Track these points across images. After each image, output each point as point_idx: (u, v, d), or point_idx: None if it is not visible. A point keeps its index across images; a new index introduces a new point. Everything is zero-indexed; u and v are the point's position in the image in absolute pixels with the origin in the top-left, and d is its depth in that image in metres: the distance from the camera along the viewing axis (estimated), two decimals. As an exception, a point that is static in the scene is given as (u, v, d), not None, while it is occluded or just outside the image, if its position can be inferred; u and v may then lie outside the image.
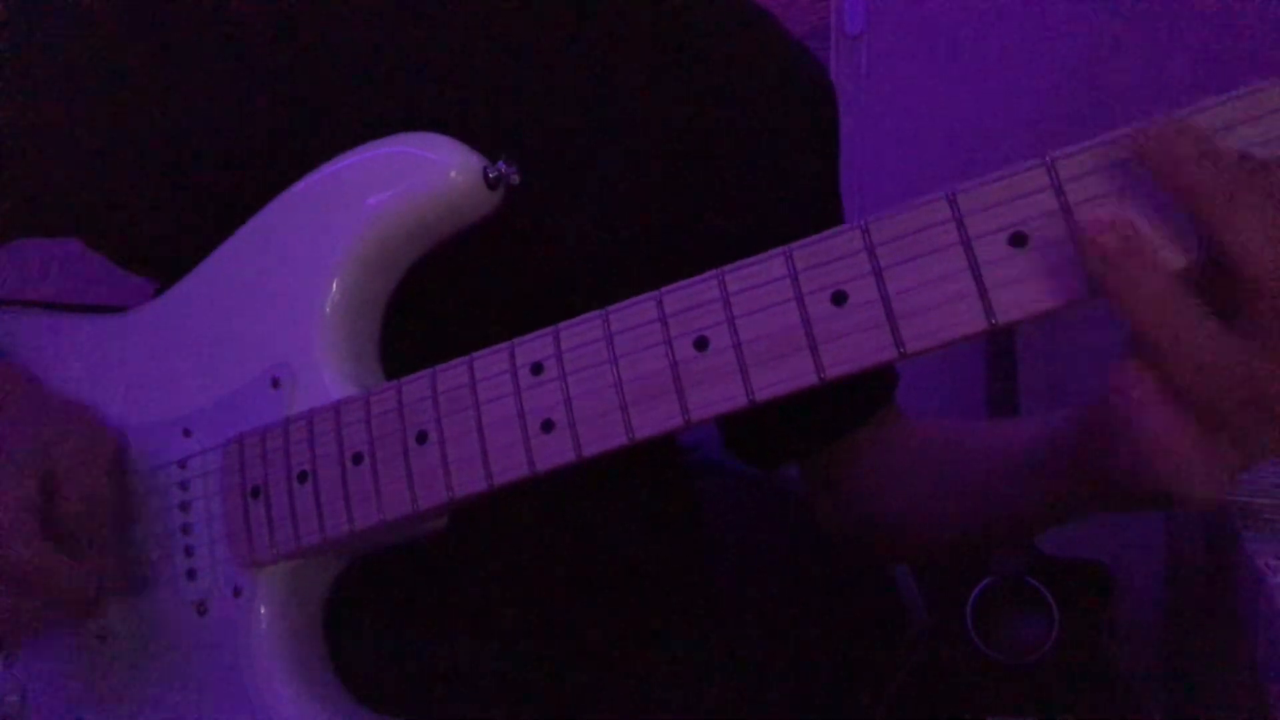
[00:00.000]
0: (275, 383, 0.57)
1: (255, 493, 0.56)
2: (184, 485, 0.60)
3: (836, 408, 0.74)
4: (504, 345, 0.50)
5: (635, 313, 0.46)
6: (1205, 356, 0.37)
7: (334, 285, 0.57)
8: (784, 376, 0.44)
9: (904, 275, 0.42)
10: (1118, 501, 0.49)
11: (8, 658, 0.66)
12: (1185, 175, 0.37)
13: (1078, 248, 0.39)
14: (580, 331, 0.48)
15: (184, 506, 0.60)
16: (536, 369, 0.48)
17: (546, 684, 0.69)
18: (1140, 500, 0.47)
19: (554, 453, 0.48)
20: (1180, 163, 0.37)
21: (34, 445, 0.56)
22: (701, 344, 0.45)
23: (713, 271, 0.45)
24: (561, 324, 0.48)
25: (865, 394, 0.75)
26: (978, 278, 0.40)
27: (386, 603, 0.66)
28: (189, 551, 0.59)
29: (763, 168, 0.74)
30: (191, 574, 0.59)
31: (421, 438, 0.51)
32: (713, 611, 0.82)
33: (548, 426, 0.48)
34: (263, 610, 0.56)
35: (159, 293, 0.66)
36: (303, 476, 0.54)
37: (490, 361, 0.50)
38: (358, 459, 0.53)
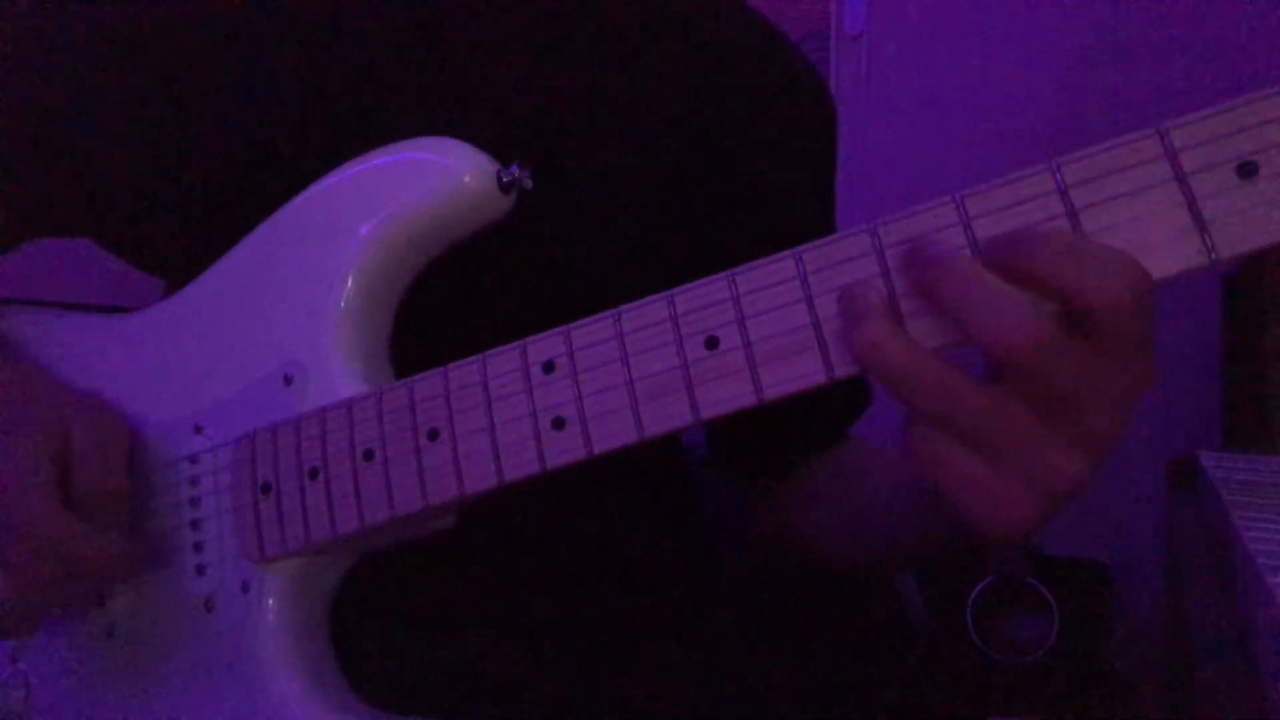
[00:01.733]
0: (287, 380, 0.57)
1: (266, 489, 0.56)
2: (194, 481, 0.60)
3: (820, 424, 0.76)
4: (516, 344, 0.50)
5: (647, 312, 0.47)
6: (946, 400, 0.40)
7: (348, 285, 0.57)
8: (793, 375, 0.44)
9: None
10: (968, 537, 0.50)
11: (14, 651, 0.66)
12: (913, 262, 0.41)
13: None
14: (592, 331, 0.48)
15: (194, 502, 0.60)
16: (548, 367, 0.49)
17: (549, 683, 0.69)
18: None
19: (565, 450, 0.48)
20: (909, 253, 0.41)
21: (48, 422, 0.56)
22: (712, 343, 0.45)
23: (724, 272, 0.46)
24: (573, 323, 0.49)
25: (842, 412, 0.77)
26: None
27: (392, 601, 0.66)
28: (198, 547, 0.59)
29: (763, 176, 0.75)
30: (200, 569, 0.59)
31: (433, 435, 0.51)
32: (713, 611, 0.82)
33: (559, 424, 0.48)
34: (270, 606, 0.56)
35: (171, 292, 0.66)
36: (314, 473, 0.55)
37: (502, 360, 0.50)
38: (369, 456, 0.53)
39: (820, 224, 0.79)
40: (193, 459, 0.60)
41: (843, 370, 0.43)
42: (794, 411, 0.46)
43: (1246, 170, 0.38)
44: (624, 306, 0.48)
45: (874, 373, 0.41)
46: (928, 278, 0.40)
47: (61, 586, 0.56)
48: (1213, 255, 0.38)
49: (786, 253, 0.45)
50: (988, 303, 0.39)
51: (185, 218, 0.67)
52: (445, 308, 0.62)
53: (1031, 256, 0.39)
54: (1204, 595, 0.96)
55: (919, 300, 0.42)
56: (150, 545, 0.61)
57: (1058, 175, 0.40)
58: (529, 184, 0.57)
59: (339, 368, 0.56)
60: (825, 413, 0.76)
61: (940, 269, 0.40)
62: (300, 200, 0.60)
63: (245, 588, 0.57)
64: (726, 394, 0.45)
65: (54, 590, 0.56)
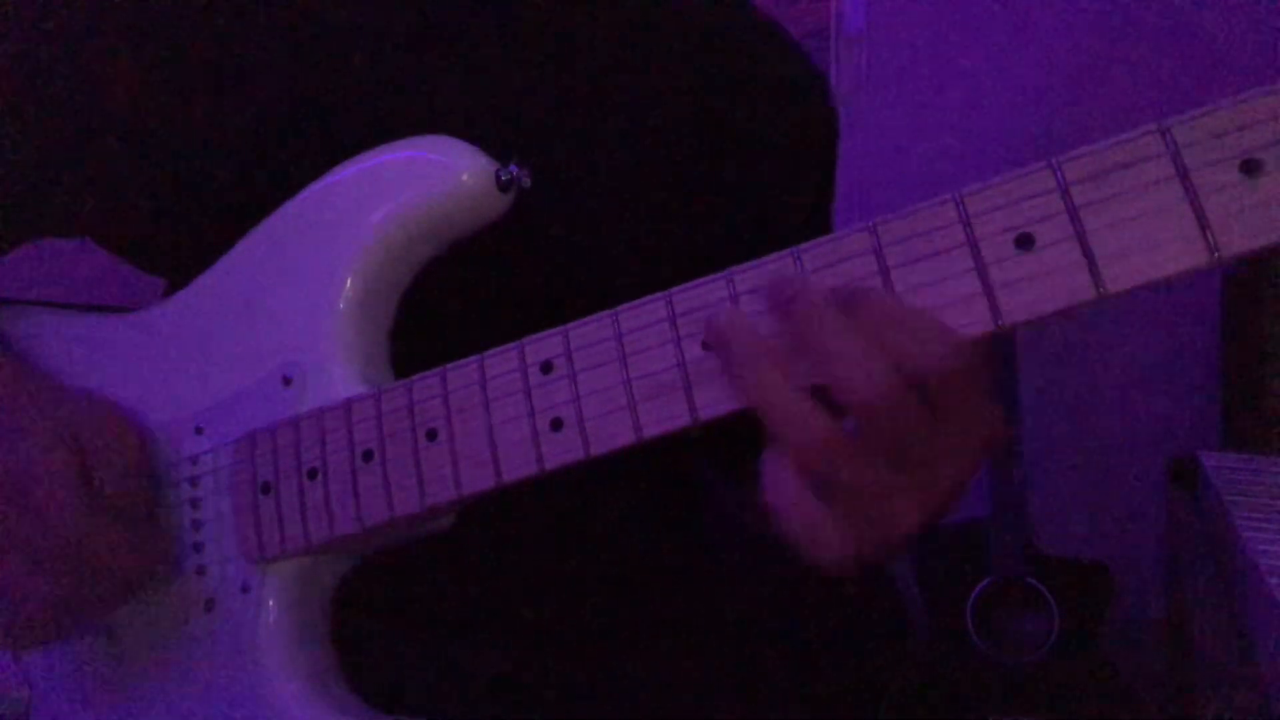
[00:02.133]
0: (286, 381, 0.57)
1: (265, 489, 0.56)
2: (194, 482, 0.60)
3: None
4: (514, 344, 0.50)
5: (645, 312, 0.47)
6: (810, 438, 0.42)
7: (347, 285, 0.57)
8: None
9: (910, 276, 0.42)
10: None
11: (16, 652, 0.66)
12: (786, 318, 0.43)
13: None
14: (590, 331, 0.48)
15: (194, 503, 0.60)
16: (546, 368, 0.49)
17: (547, 684, 0.69)
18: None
19: (563, 451, 0.48)
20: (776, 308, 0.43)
21: (60, 427, 0.56)
22: (710, 344, 0.45)
23: (722, 272, 0.45)
24: (571, 323, 0.49)
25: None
26: (984, 279, 0.41)
27: (392, 601, 0.66)
28: (198, 548, 0.59)
29: (763, 176, 0.75)
30: (200, 570, 0.59)
31: (431, 435, 0.51)
32: (713, 611, 0.82)
33: (557, 425, 0.48)
34: (271, 607, 0.56)
35: (170, 292, 0.66)
36: (313, 473, 0.55)
37: (500, 360, 0.50)
38: (368, 456, 0.53)
39: (817, 224, 0.79)
40: (193, 460, 0.60)
41: None
42: None
43: (1250, 167, 0.37)
44: (622, 306, 0.47)
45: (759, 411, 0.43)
46: (797, 325, 0.43)
47: (94, 587, 0.55)
48: (1216, 254, 0.38)
49: (785, 252, 0.44)
50: (843, 357, 0.41)
51: (184, 218, 0.67)
52: (444, 307, 0.62)
53: (868, 320, 0.41)
54: (1204, 595, 0.96)
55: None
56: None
57: (1059, 173, 0.40)
58: (527, 183, 0.57)
59: (338, 368, 0.56)
60: None
61: (808, 319, 0.42)
62: (299, 199, 0.60)
63: (245, 588, 0.57)
64: (726, 395, 0.45)
65: (95, 597, 0.55)
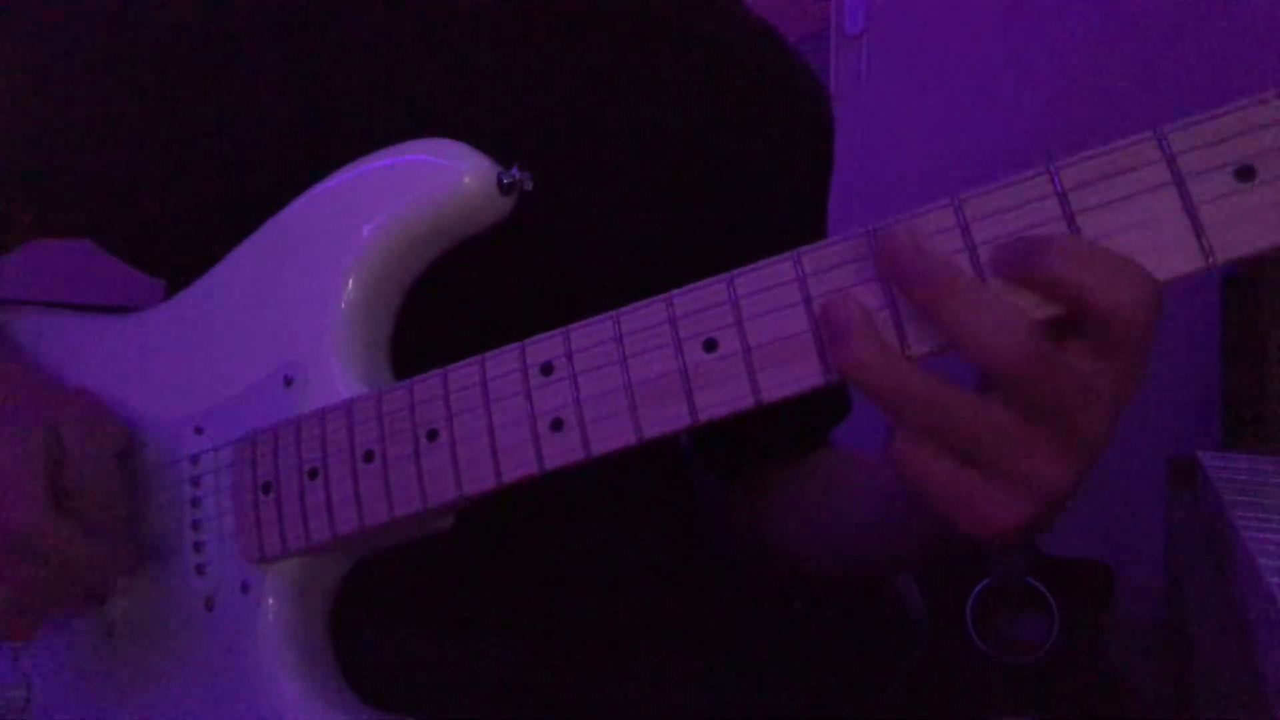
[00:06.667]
0: (288, 381, 0.57)
1: (266, 489, 0.56)
2: (195, 481, 0.60)
3: (800, 427, 0.76)
4: (515, 345, 0.50)
5: (645, 314, 0.47)
6: (938, 417, 0.41)
7: (348, 287, 0.57)
8: (791, 378, 0.44)
9: None
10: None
11: (15, 650, 0.66)
12: (899, 269, 0.41)
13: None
14: (590, 332, 0.48)
15: (195, 503, 0.60)
16: (546, 369, 0.49)
17: (547, 684, 0.69)
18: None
19: (563, 452, 0.48)
20: (895, 258, 0.41)
21: (40, 421, 0.57)
22: (710, 345, 0.45)
23: (722, 275, 0.46)
24: (572, 325, 0.49)
25: (823, 417, 0.77)
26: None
27: (392, 601, 0.66)
28: (198, 547, 0.60)
29: (761, 180, 0.75)
30: (200, 569, 0.59)
31: (432, 436, 0.51)
32: (714, 612, 0.82)
33: (557, 426, 0.48)
34: (270, 606, 0.56)
35: (172, 293, 0.66)
36: (313, 473, 0.55)
37: (501, 361, 0.50)
38: (369, 456, 0.53)
39: (814, 228, 0.79)
40: (194, 459, 0.60)
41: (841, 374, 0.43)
42: (774, 413, 0.46)
43: (1245, 174, 0.38)
44: (623, 308, 0.48)
45: (859, 389, 0.41)
46: (915, 290, 0.40)
47: (55, 590, 0.56)
48: (1211, 259, 0.38)
49: (785, 255, 0.44)
50: (976, 316, 0.39)
51: (185, 220, 0.67)
52: (446, 309, 0.62)
53: (1045, 260, 0.39)
54: (1204, 595, 0.96)
55: (909, 306, 0.41)
56: (150, 545, 0.61)
57: (1056, 178, 0.40)
58: (529, 186, 0.57)
59: (339, 369, 0.56)
60: (805, 416, 0.76)
61: (927, 280, 0.40)
62: (301, 202, 0.60)
63: (245, 588, 0.57)
64: (725, 397, 0.45)
65: (48, 594, 0.56)
